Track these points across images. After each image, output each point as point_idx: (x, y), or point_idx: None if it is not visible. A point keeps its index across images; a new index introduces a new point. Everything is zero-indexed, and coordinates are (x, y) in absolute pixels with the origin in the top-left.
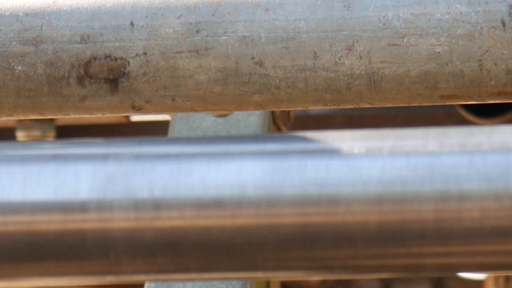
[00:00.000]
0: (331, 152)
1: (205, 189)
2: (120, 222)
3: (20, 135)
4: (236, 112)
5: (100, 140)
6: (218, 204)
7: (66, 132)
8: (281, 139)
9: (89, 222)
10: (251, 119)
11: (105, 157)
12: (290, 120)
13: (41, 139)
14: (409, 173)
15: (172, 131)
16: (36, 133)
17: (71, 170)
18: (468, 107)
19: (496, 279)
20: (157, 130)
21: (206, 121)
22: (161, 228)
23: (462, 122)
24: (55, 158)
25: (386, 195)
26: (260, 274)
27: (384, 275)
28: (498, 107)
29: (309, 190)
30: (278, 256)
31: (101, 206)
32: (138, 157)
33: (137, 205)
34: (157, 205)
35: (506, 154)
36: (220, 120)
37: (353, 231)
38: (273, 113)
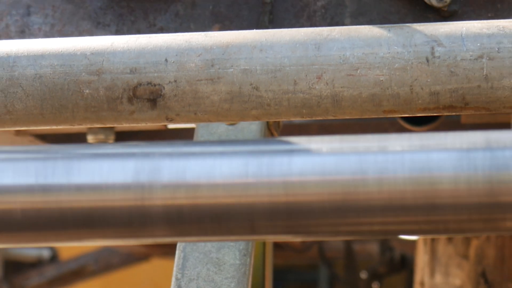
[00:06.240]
0: (307, 151)
1: (215, 177)
2: (158, 200)
3: (89, 138)
4: (241, 122)
5: (141, 143)
6: (226, 186)
7: (122, 136)
8: (269, 142)
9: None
10: (252, 127)
11: (147, 155)
12: (280, 127)
13: (104, 141)
14: (357, 166)
15: (196, 135)
16: (101, 136)
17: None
18: (405, 118)
19: (425, 239)
20: (186, 135)
21: (220, 128)
22: (188, 204)
23: (401, 129)
24: (117, 155)
25: (340, 180)
26: (257, 238)
27: (340, 238)
28: (426, 118)
29: (291, 177)
30: (269, 224)
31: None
32: (169, 155)
33: (168, 188)
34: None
35: (425, 153)
36: (230, 127)
37: (315, 207)
38: (267, 122)
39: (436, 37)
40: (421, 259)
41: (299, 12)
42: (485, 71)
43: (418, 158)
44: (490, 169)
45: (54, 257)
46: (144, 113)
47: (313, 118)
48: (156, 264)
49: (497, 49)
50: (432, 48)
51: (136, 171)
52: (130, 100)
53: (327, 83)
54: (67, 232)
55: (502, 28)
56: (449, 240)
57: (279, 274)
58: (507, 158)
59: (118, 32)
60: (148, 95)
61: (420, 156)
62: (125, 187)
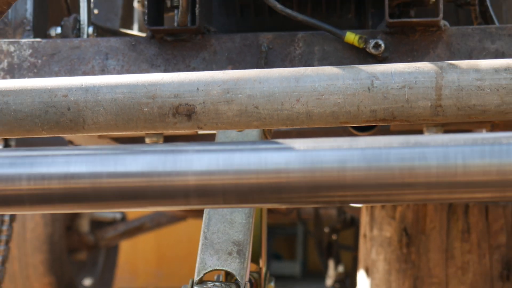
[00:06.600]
0: (290, 148)
1: (230, 166)
2: (191, 181)
3: (147, 140)
4: (246, 129)
5: (182, 143)
6: (236, 172)
7: (168, 139)
8: (268, 143)
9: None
10: (253, 132)
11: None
12: (271, 133)
13: (156, 142)
14: (330, 158)
15: (217, 138)
16: (154, 139)
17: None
18: (353, 127)
19: (366, 206)
20: (209, 138)
21: (232, 133)
22: (211, 184)
23: (351, 134)
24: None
25: (318, 168)
26: (258, 205)
27: (316, 205)
28: (367, 127)
29: (279, 165)
30: (267, 197)
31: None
32: (197, 151)
33: (196, 174)
34: (211, 173)
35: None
36: (239, 133)
37: (295, 185)
38: (263, 129)
39: (374, 73)
40: (364, 219)
41: (284, 57)
42: (406, 96)
43: (368, 152)
44: (401, 161)
45: (123, 218)
46: (183, 124)
47: (294, 127)
48: (191, 223)
49: (414, 81)
50: (372, 81)
51: (173, 162)
52: (174, 115)
53: (303, 104)
54: (161, 201)
55: (418, 68)
56: (383, 207)
57: (270, 229)
58: (415, 153)
59: (165, 70)
60: (186, 112)
61: (370, 151)
62: (166, 174)
